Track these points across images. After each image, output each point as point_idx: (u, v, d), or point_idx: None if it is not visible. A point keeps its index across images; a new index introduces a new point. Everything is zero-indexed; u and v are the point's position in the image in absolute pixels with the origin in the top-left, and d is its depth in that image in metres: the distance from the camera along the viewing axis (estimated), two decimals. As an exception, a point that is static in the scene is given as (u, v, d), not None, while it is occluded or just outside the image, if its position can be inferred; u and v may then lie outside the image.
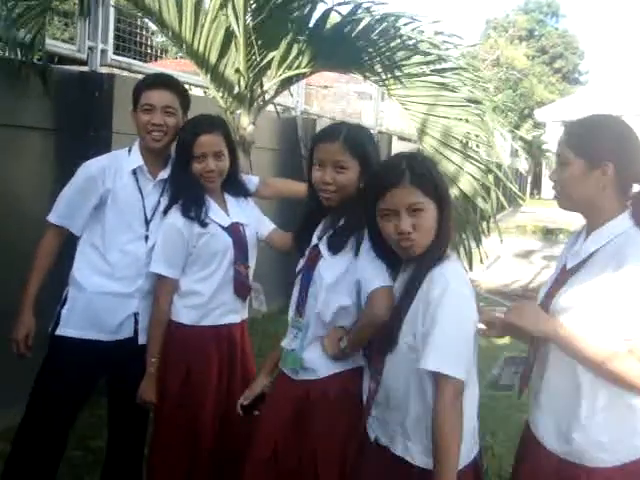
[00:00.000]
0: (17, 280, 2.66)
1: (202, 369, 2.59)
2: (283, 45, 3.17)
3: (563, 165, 1.91)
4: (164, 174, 2.67)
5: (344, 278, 2.13)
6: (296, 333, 2.21)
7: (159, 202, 2.65)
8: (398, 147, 8.94)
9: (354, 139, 2.15)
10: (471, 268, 3.61)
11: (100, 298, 2.62)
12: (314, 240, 2.23)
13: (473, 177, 3.50)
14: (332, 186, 2.12)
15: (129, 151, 2.68)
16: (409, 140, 9.51)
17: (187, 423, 2.58)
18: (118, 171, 2.63)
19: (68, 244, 2.73)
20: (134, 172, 2.64)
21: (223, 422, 2.61)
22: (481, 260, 3.85)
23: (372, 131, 9.70)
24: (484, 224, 3.75)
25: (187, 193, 2.58)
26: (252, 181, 2.89)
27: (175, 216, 2.56)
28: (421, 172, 1.89)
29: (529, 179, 39.43)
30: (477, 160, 3.50)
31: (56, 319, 2.66)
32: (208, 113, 2.67)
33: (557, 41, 50.26)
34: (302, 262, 2.27)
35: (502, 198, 3.59)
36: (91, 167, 2.65)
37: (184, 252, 2.57)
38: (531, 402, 2.01)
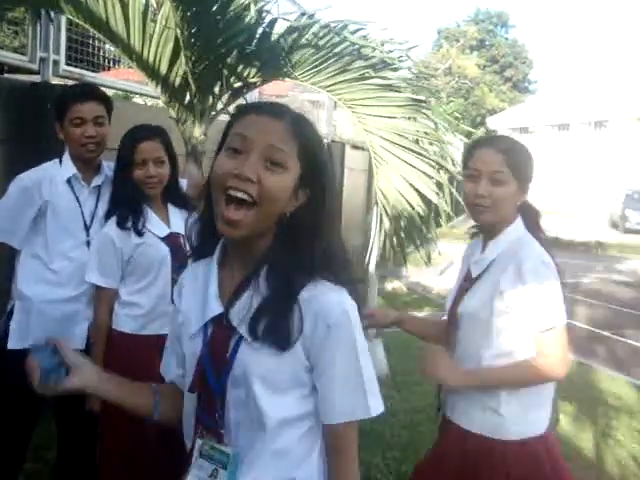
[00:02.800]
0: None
1: (145, 377, 2.57)
2: (230, 56, 3.24)
3: (498, 182, 2.06)
4: (98, 180, 2.74)
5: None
6: (213, 471, 1.33)
7: (96, 207, 2.71)
8: (351, 155, 9.04)
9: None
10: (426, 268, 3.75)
11: (47, 306, 2.65)
12: (214, 306, 1.34)
13: (425, 174, 3.62)
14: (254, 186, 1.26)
15: (60, 161, 2.72)
16: (362, 149, 9.62)
17: (130, 431, 2.53)
18: (52, 181, 2.67)
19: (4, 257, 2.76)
20: (68, 181, 2.69)
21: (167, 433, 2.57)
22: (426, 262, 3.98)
23: (325, 140, 9.81)
24: (439, 223, 3.89)
25: (125, 203, 2.62)
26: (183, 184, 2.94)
27: (110, 227, 2.60)
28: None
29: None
30: (427, 157, 3.62)
31: (4, 334, 2.66)
32: (151, 123, 2.73)
33: (507, 51, 51.23)
34: (195, 340, 1.37)
35: (457, 194, 3.71)
36: (25, 180, 2.68)
37: (117, 262, 2.60)
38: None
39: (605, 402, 5.39)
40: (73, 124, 2.63)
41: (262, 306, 1.28)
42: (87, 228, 2.70)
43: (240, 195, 1.23)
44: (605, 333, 8.16)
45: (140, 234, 2.59)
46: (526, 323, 2.00)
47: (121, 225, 2.59)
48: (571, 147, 36.81)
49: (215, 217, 1.28)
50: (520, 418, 2.05)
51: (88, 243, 2.68)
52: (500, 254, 2.07)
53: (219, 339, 1.31)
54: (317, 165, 1.32)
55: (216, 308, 1.33)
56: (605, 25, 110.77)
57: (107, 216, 2.64)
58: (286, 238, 1.30)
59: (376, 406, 1.32)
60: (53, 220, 2.65)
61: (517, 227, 2.11)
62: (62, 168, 2.72)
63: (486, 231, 2.16)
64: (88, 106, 2.64)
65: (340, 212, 5.63)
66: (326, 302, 1.28)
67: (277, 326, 1.26)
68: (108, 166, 2.78)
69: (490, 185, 2.05)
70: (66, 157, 2.73)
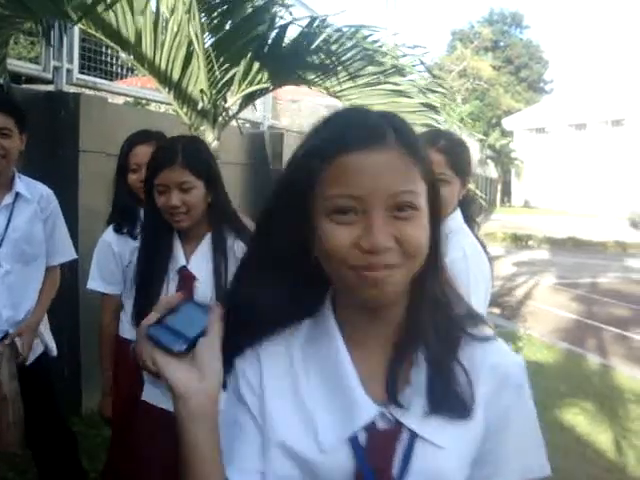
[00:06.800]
0: None
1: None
2: (244, 62, 3.25)
3: (443, 183, 2.09)
4: (8, 199, 2.54)
5: None
6: None
7: (7, 228, 2.52)
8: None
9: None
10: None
11: None
12: (366, 406, 0.92)
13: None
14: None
15: None
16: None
17: (136, 435, 2.57)
18: None
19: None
20: None
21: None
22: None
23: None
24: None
25: (121, 208, 2.62)
26: None
27: (108, 233, 2.61)
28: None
29: (499, 187, 39.93)
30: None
31: None
32: (162, 130, 2.72)
33: (522, 51, 51.10)
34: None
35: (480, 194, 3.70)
36: None
37: (117, 267, 2.58)
38: None
39: (626, 403, 5.32)
40: None
41: (434, 373, 0.94)
42: None
43: (383, 274, 0.87)
44: (626, 333, 8.07)
45: (136, 238, 2.54)
46: None
47: (117, 229, 2.59)
48: (588, 146, 36.58)
49: (349, 286, 0.90)
50: None
51: None
52: None
53: (381, 447, 0.92)
54: (434, 176, 0.96)
55: (370, 408, 0.92)
56: (621, 22, 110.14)
57: (108, 222, 2.65)
58: (421, 282, 0.95)
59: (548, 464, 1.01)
60: None
61: (454, 219, 2.16)
62: None
63: None
64: None
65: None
66: (504, 363, 0.99)
67: (455, 393, 0.93)
68: (24, 182, 2.61)
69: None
70: None
